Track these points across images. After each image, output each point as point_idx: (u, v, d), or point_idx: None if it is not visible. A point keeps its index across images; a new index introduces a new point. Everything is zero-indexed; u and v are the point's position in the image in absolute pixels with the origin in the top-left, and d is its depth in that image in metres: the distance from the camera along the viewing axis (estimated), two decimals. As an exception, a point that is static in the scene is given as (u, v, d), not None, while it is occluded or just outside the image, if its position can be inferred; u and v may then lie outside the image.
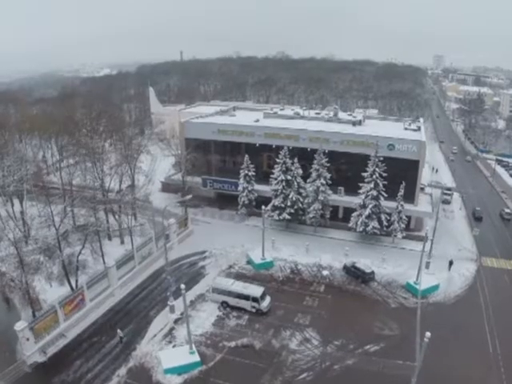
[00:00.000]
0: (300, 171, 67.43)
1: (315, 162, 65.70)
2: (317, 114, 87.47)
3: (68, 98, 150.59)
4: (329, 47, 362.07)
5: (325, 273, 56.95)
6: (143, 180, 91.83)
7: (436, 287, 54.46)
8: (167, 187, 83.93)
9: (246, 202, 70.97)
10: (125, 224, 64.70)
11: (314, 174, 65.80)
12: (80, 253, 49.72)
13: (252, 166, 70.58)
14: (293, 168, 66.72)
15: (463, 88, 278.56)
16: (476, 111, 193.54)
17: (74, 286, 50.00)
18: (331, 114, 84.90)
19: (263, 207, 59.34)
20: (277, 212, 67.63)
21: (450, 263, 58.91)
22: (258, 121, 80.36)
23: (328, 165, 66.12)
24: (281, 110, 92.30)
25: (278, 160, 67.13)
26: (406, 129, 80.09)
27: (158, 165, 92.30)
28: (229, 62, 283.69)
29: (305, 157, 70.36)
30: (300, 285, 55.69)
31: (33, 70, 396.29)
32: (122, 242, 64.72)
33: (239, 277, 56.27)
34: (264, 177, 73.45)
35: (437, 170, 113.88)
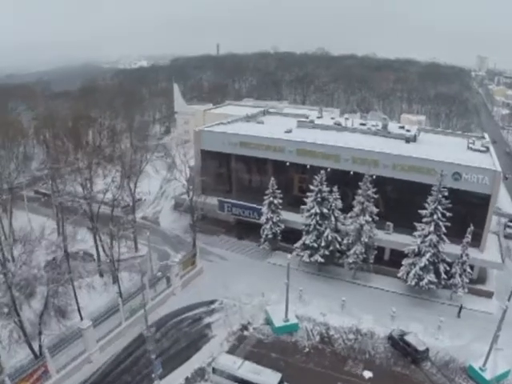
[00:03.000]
0: (339, 203, 53.57)
1: (359, 192, 51.77)
2: (362, 124, 72.85)
3: (89, 92, 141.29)
4: (370, 44, 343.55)
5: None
6: (155, 193, 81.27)
7: (507, 374, 39.93)
8: (181, 205, 71.34)
9: (270, 235, 57.56)
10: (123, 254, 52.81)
11: (357, 208, 51.88)
12: (42, 314, 37.58)
13: (279, 191, 57.27)
14: (330, 198, 52.92)
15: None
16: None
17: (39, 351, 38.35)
18: (379, 125, 70.28)
19: (289, 256, 45.09)
20: (308, 252, 54.05)
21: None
22: (290, 131, 66.65)
23: (375, 196, 52.11)
24: (318, 117, 77.96)
25: (312, 187, 53.48)
26: (470, 148, 64.88)
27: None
28: (266, 57, 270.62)
29: (346, 182, 56.89)
30: (331, 361, 41.94)
31: (71, 60, 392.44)
32: (115, 282, 52.12)
33: (254, 343, 43.60)
34: (295, 202, 60.23)
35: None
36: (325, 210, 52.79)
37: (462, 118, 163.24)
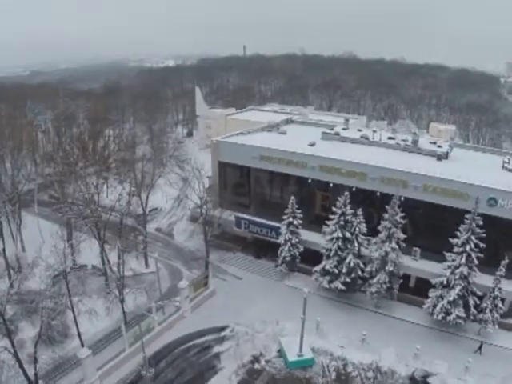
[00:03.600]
0: (363, 227, 49.86)
1: (386, 216, 47.97)
2: (390, 138, 68.80)
3: (111, 92, 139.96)
4: (398, 48, 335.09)
5: None
6: (172, 202, 78.33)
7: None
8: (196, 219, 68.40)
9: (288, 258, 54.13)
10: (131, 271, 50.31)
11: (382, 234, 48.07)
12: (37, 342, 34.95)
13: (300, 210, 53.87)
14: (354, 222, 49.26)
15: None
16: None
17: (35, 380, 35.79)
18: (409, 139, 66.07)
19: (305, 290, 41.20)
20: (327, 278, 50.43)
21: None
22: (313, 144, 63.03)
23: (403, 221, 48.26)
24: (344, 129, 74.06)
25: (334, 209, 49.90)
26: (505, 168, 60.06)
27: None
28: (293, 58, 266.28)
29: (372, 202, 53.46)
30: (348, 404, 38.63)
31: (98, 58, 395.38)
32: (123, 300, 49.30)
33: (265, 378, 40.40)
34: (316, 221, 56.83)
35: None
36: (348, 235, 49.11)
37: (492, 127, 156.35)
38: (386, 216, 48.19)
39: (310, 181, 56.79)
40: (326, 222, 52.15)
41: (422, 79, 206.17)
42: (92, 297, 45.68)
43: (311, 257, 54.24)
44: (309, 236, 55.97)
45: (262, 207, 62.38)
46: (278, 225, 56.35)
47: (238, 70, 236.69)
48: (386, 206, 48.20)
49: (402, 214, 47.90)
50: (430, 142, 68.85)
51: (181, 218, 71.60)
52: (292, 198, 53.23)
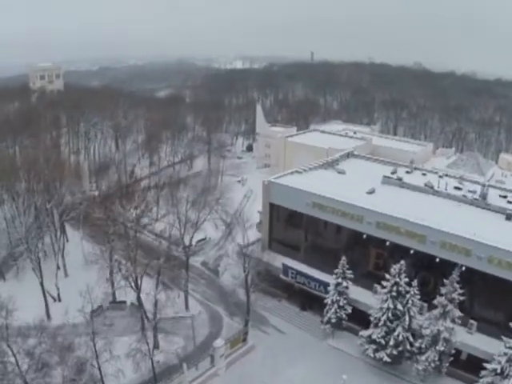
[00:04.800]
0: (417, 300, 46.06)
1: (443, 290, 43.94)
2: (457, 188, 63.90)
3: (175, 101, 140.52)
4: (470, 61, 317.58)
5: None
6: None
7: None
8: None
9: (334, 319, 51.03)
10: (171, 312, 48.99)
11: (437, 311, 44.09)
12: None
13: (351, 266, 50.81)
14: (408, 294, 45.53)
15: None
16: None
17: None
18: (477, 191, 60.95)
19: (344, 377, 38.15)
20: (373, 347, 47.04)
21: None
22: (372, 192, 59.49)
23: (462, 298, 44.08)
24: (407, 172, 69.72)
25: (388, 276, 46.37)
26: None
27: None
28: (360, 67, 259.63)
29: (429, 266, 49.51)
30: None
31: (166, 56, 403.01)
32: (157, 347, 48.05)
33: None
34: (368, 279, 53.57)
35: None
36: (399, 306, 45.44)
37: None
38: (443, 290, 44.19)
39: (365, 236, 53.31)
40: (378, 284, 48.86)
41: (494, 99, 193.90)
42: (120, 356, 43.47)
43: (360, 315, 51.09)
44: (358, 293, 52.70)
45: (313, 254, 59.37)
46: (326, 280, 53.34)
47: (303, 78, 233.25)
48: (445, 280, 44.17)
49: (461, 291, 43.70)
50: (500, 196, 63.49)
51: (229, 253, 69.09)
52: (343, 258, 50.17)
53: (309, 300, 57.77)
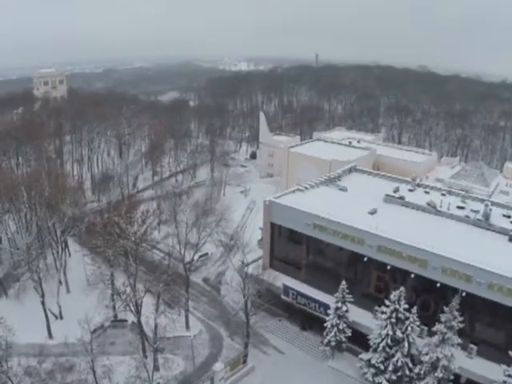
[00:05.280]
0: (416, 326, 45.97)
1: (443, 318, 43.73)
2: (459, 208, 63.49)
3: (180, 107, 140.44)
4: (475, 62, 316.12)
5: None
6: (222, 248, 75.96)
7: None
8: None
9: (333, 342, 50.97)
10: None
11: (436, 338, 43.91)
12: None
13: (350, 295, 50.80)
14: (407, 319, 45.43)
15: None
16: None
17: None
18: (480, 211, 60.56)
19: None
20: (372, 371, 47.03)
21: None
22: (374, 212, 59.35)
23: (461, 325, 43.91)
24: (410, 190, 69.37)
25: (387, 302, 46.23)
26: None
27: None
28: (365, 70, 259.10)
29: (429, 290, 49.55)
30: None
31: (172, 57, 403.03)
32: (157, 369, 48.19)
33: None
34: (368, 300, 53.49)
35: None
36: (398, 333, 45.37)
37: None
38: (442, 318, 43.98)
39: (365, 259, 53.19)
40: (379, 306, 48.68)
41: (499, 103, 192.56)
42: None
43: (360, 337, 51.03)
44: (359, 315, 52.61)
45: (314, 273, 59.40)
46: (326, 302, 53.32)
47: (308, 81, 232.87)
48: (445, 307, 43.96)
49: (461, 318, 43.52)
50: (504, 216, 63.15)
51: (231, 267, 68.67)
52: (343, 283, 50.01)
53: (309, 320, 57.78)
